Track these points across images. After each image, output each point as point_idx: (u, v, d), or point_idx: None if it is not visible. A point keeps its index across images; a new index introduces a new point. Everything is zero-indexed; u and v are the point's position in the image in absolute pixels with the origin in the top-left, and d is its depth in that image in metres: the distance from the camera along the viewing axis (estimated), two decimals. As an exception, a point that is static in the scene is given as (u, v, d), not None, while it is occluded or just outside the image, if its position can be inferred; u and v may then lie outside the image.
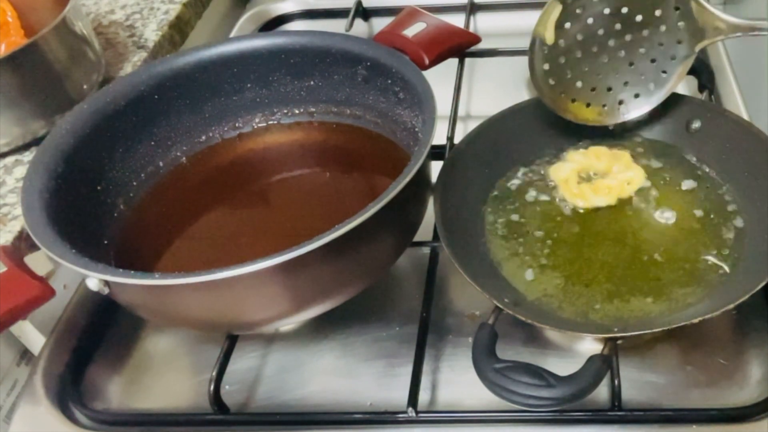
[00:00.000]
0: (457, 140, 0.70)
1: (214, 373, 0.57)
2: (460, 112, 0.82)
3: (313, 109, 0.75)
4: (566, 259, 0.62)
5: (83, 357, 0.65)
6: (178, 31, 0.93)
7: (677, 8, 0.65)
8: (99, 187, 0.65)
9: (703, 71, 0.75)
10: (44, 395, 0.60)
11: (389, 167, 0.68)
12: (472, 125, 0.70)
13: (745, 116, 0.74)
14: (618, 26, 0.67)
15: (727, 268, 0.60)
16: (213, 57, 0.71)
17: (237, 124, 0.75)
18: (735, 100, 0.79)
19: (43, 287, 0.55)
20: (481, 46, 0.81)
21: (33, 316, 0.59)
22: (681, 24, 0.65)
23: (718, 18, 0.63)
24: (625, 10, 0.66)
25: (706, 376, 0.58)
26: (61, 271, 0.56)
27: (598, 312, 0.58)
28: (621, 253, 0.62)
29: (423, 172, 0.60)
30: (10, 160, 0.74)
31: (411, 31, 0.73)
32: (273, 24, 1.03)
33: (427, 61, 0.70)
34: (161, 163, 0.72)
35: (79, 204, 0.62)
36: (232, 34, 0.99)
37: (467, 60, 0.85)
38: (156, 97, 0.69)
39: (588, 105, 0.69)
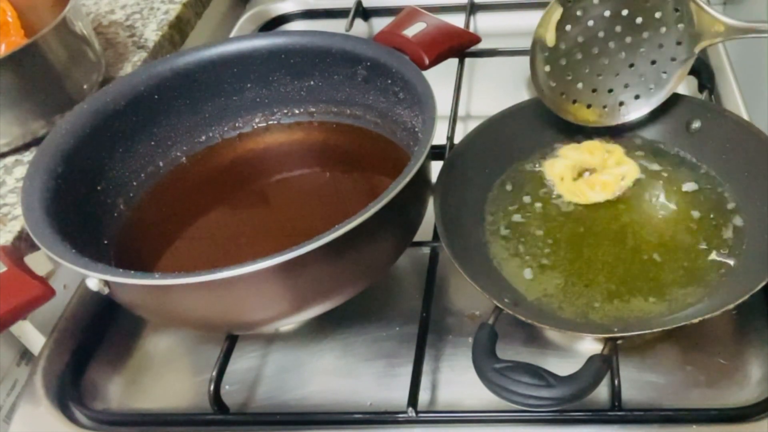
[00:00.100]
0: (457, 140, 0.70)
1: (214, 373, 0.57)
2: (460, 112, 0.82)
3: (313, 109, 0.75)
4: (566, 259, 0.62)
5: (83, 357, 0.65)
6: (178, 31, 0.93)
7: (677, 10, 0.65)
8: (99, 187, 0.66)
9: (703, 71, 0.75)
10: (44, 395, 0.60)
11: (389, 167, 0.68)
12: (472, 125, 0.70)
13: (745, 116, 0.74)
14: (618, 28, 0.67)
15: (726, 269, 0.60)
16: (213, 57, 0.71)
17: (237, 124, 0.75)
18: (735, 100, 0.79)
19: (43, 287, 0.55)
20: (481, 46, 0.81)
21: (33, 316, 0.59)
22: (680, 26, 0.65)
23: (718, 20, 0.64)
24: (625, 12, 0.66)
25: (706, 376, 0.58)
26: (61, 271, 0.56)
27: (598, 312, 0.58)
28: (621, 253, 0.62)
29: (423, 172, 0.60)
30: (10, 160, 0.74)
31: (411, 31, 0.73)
32: (273, 24, 1.03)
33: (427, 61, 0.70)
34: (161, 163, 0.72)
35: (79, 204, 0.62)
36: (232, 34, 0.99)
37: (467, 60, 0.85)
38: (156, 97, 0.69)
39: (589, 106, 0.69)
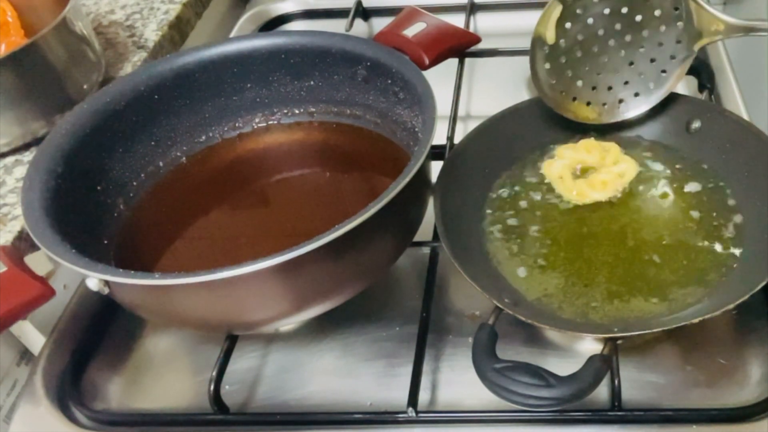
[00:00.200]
0: (457, 140, 0.70)
1: (214, 373, 0.57)
2: (460, 112, 0.82)
3: (313, 109, 0.75)
4: (566, 259, 0.62)
5: (83, 357, 0.65)
6: (178, 31, 0.93)
7: (676, 8, 0.65)
8: (99, 187, 0.66)
9: (703, 71, 0.75)
10: (44, 395, 0.60)
11: (389, 167, 0.68)
12: (472, 125, 0.70)
13: (745, 116, 0.74)
14: (618, 26, 0.67)
15: (726, 269, 0.60)
16: (213, 57, 0.71)
17: (237, 124, 0.75)
18: (735, 100, 0.79)
19: (43, 287, 0.55)
20: (481, 46, 0.81)
21: (33, 316, 0.59)
22: (680, 24, 0.65)
23: (717, 18, 0.64)
24: (625, 10, 0.66)
25: (706, 376, 0.58)
26: (61, 271, 0.56)
27: (598, 312, 0.58)
28: (621, 252, 0.62)
29: (423, 172, 0.60)
30: (10, 160, 0.74)
31: (411, 31, 0.73)
32: (273, 24, 1.03)
33: (427, 61, 0.70)
34: (161, 163, 0.72)
35: (79, 204, 0.62)
36: (232, 34, 0.99)
37: (467, 60, 0.85)
38: (156, 97, 0.69)
39: (588, 104, 0.70)
